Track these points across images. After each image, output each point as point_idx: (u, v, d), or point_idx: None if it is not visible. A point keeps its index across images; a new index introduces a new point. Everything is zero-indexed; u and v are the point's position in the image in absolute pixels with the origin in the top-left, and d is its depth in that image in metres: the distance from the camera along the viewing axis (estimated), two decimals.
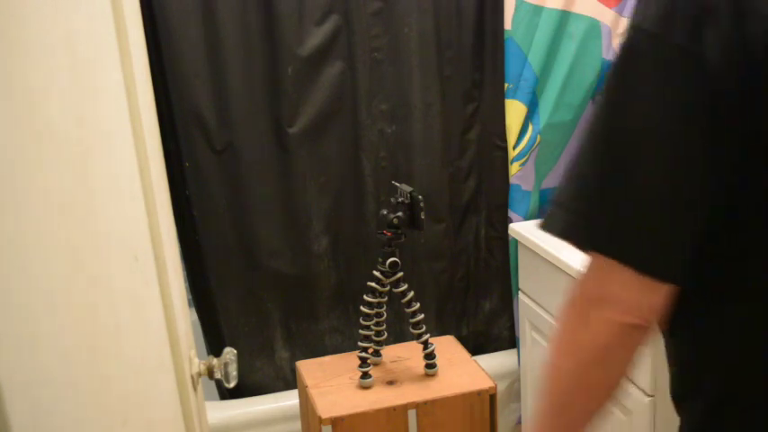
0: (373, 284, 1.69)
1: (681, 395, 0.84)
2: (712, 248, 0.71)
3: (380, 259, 1.65)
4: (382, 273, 1.67)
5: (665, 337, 0.84)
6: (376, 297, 1.70)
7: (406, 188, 1.61)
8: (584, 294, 0.74)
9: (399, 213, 1.59)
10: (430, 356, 1.80)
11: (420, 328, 1.77)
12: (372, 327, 1.75)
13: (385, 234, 1.62)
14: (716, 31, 0.63)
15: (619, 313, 0.71)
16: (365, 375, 1.77)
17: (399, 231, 1.61)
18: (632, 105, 0.67)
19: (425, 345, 1.79)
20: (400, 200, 1.61)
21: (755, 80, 0.63)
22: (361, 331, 1.74)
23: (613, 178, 0.68)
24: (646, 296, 0.70)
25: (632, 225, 0.68)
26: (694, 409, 0.81)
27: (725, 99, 0.64)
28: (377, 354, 1.84)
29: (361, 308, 1.73)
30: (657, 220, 0.68)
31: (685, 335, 0.80)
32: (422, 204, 1.59)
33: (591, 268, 0.73)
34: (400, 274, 1.68)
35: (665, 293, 0.71)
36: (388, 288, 1.72)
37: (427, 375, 1.82)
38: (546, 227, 0.74)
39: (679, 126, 0.65)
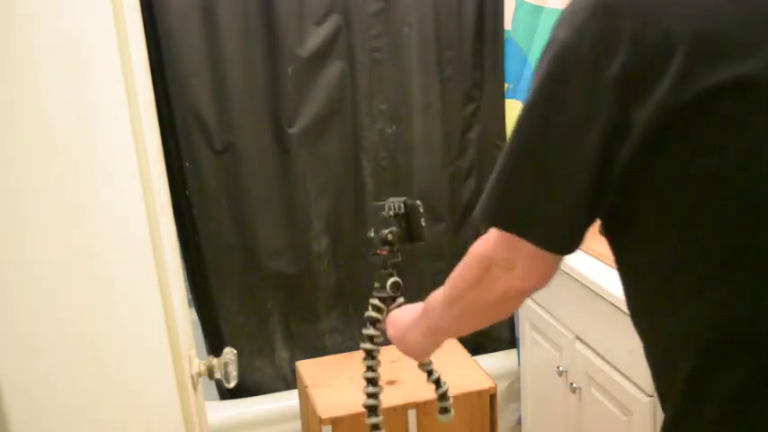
0: (374, 314, 1.32)
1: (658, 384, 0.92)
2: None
3: (377, 284, 1.34)
4: (382, 300, 1.33)
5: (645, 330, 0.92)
6: (378, 330, 1.34)
7: (397, 199, 1.35)
8: (494, 259, 0.90)
9: (393, 228, 1.33)
10: (443, 398, 1.41)
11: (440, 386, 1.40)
12: (378, 382, 1.35)
13: (379, 254, 1.34)
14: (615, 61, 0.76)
15: (519, 280, 0.88)
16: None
17: (395, 249, 1.34)
18: (551, 116, 0.80)
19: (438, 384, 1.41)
20: (391, 213, 1.35)
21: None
22: (367, 390, 1.35)
23: (524, 169, 0.83)
24: (542, 265, 0.87)
25: (537, 210, 0.83)
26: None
27: (616, 114, 0.77)
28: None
29: (365, 361, 1.33)
30: (555, 207, 0.82)
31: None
32: (421, 210, 1.34)
33: (500, 239, 0.88)
34: (401, 299, 1.34)
35: (556, 263, 0.88)
36: None
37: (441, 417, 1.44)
38: (475, 214, 0.89)
39: (580, 132, 0.78)
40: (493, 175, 0.86)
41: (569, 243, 0.84)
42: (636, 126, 0.75)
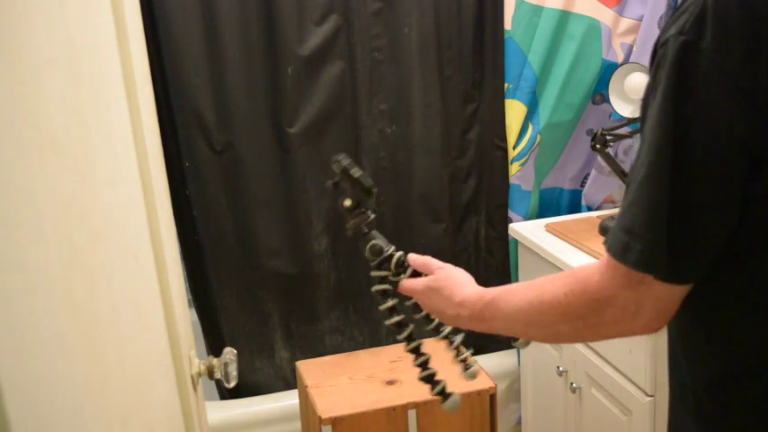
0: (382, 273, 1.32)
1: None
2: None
3: (369, 256, 1.29)
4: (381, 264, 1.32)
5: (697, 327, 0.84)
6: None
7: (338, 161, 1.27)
8: (619, 304, 0.77)
9: (348, 199, 1.27)
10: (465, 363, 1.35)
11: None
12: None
13: (352, 225, 1.28)
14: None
15: (643, 326, 0.77)
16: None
17: (361, 209, 1.28)
18: (692, 134, 0.70)
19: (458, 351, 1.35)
20: (334, 180, 1.29)
21: None
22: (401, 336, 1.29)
23: (681, 209, 0.73)
24: (672, 305, 0.77)
25: (689, 249, 0.74)
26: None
27: None
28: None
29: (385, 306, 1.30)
30: (706, 243, 0.74)
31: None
32: (344, 162, 1.26)
33: (630, 281, 0.76)
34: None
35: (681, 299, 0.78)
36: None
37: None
38: (620, 257, 0.76)
39: (735, 159, 0.70)
40: (637, 217, 0.75)
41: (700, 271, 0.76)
42: None
